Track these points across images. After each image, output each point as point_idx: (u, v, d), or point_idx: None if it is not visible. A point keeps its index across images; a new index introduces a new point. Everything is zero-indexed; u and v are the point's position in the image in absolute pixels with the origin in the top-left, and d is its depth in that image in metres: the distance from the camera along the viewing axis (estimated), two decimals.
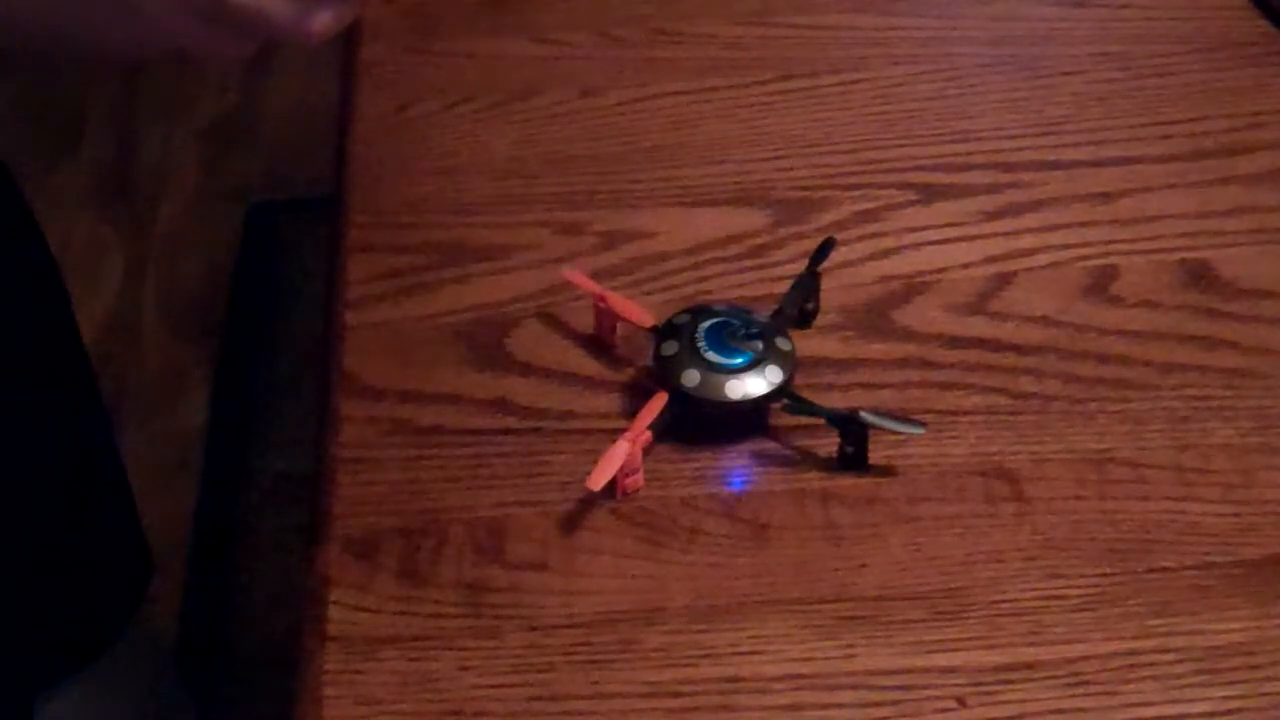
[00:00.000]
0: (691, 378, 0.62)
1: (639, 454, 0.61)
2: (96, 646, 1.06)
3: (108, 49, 0.63)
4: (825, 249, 0.68)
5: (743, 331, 0.63)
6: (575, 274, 0.67)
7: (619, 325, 0.67)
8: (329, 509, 0.61)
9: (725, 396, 0.62)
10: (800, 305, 0.67)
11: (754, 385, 0.62)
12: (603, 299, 0.66)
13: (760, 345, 0.63)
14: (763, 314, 0.65)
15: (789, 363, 0.63)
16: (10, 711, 1.03)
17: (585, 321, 0.68)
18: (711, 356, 0.63)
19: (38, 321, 0.95)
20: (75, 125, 2.13)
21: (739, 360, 0.63)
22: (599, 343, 0.67)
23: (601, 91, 0.81)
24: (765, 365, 0.63)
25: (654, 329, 0.65)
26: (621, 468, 0.60)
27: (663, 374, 0.63)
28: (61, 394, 0.98)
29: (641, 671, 0.56)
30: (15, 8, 0.56)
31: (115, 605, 1.08)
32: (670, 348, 0.63)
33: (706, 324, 0.64)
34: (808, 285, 0.67)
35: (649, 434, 0.61)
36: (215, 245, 1.96)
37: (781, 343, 0.64)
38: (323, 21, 0.57)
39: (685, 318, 0.65)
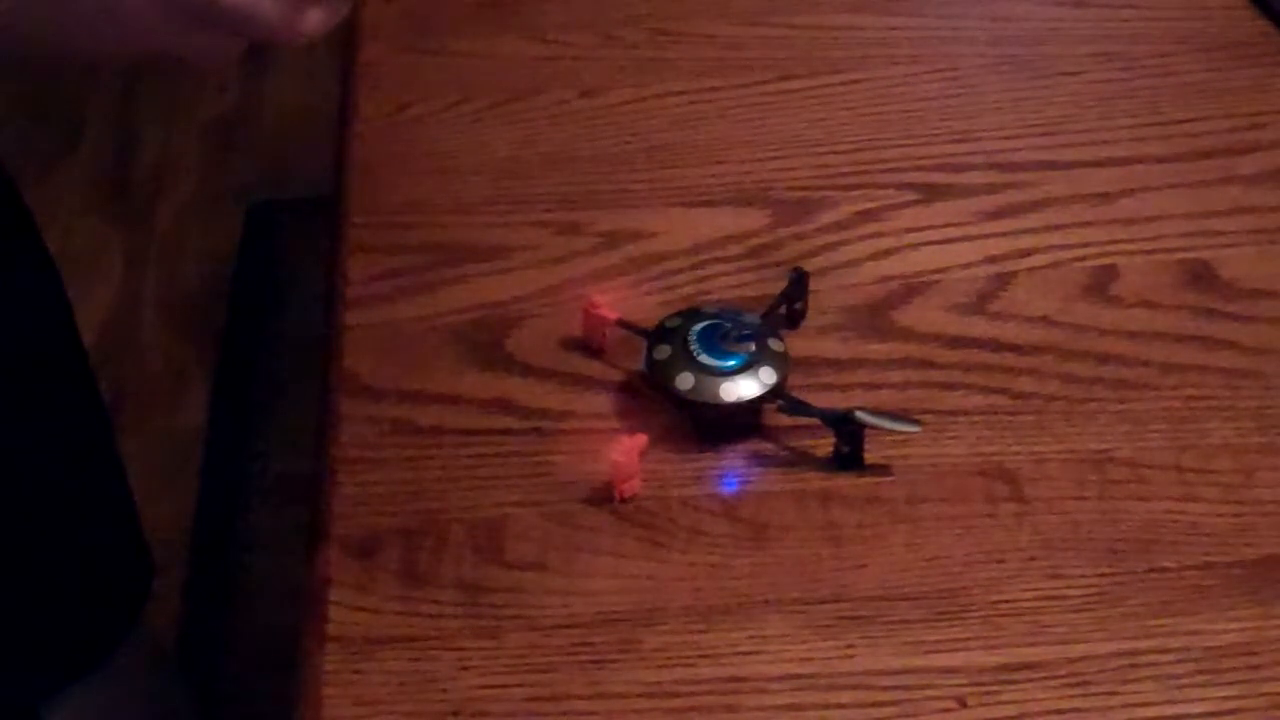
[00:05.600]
0: (686, 381, 0.62)
1: (636, 459, 0.61)
2: (101, 651, 1.06)
3: (96, 54, 0.62)
4: (799, 280, 0.68)
5: (735, 334, 0.63)
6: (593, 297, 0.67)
7: (608, 330, 0.66)
8: (329, 509, 0.61)
9: (720, 399, 0.62)
10: (789, 305, 0.67)
11: (748, 387, 0.62)
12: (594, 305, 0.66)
13: (753, 347, 0.63)
14: (753, 315, 0.65)
15: (782, 364, 0.63)
16: None
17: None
18: (705, 359, 0.62)
19: (38, 321, 0.95)
20: (75, 125, 2.13)
21: (732, 362, 0.62)
22: (591, 348, 0.67)
23: (601, 91, 0.81)
24: (759, 367, 0.62)
25: (645, 333, 0.65)
26: (619, 473, 0.60)
27: (657, 378, 0.63)
28: (61, 394, 0.98)
29: (641, 671, 0.56)
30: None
31: (118, 608, 1.08)
32: (663, 351, 0.63)
33: (698, 327, 0.64)
34: (796, 285, 0.67)
35: (645, 437, 0.61)
36: (215, 245, 1.96)
37: (774, 344, 0.64)
38: (314, 21, 0.57)
39: (677, 321, 0.64)
